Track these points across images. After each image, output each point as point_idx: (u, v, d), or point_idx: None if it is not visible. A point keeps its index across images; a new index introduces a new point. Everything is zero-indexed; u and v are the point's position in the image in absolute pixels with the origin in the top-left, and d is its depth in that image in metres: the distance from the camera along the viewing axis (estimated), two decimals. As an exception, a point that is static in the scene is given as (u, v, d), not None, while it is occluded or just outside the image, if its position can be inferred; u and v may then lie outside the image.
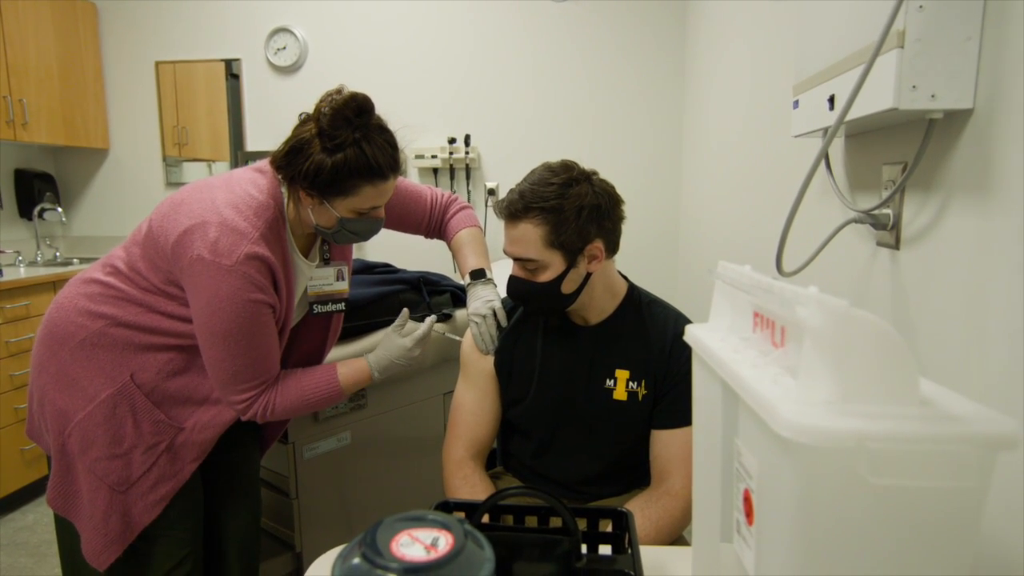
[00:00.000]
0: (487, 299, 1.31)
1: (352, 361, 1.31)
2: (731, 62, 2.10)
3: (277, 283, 1.17)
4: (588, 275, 1.16)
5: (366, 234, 1.23)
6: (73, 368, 1.19)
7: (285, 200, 1.20)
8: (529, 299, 1.18)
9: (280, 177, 1.18)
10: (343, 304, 1.37)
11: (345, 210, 1.16)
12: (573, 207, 1.09)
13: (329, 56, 3.23)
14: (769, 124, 1.64)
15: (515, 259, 1.15)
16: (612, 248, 1.17)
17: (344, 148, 1.09)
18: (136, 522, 1.21)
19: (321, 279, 1.33)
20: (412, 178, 3.22)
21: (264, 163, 1.21)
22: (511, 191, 1.14)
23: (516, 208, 1.11)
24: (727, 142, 2.13)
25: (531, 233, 1.10)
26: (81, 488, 1.22)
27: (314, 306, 1.33)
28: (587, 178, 1.13)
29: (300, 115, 1.17)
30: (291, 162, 1.13)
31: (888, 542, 0.44)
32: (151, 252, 1.16)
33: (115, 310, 1.18)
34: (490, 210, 3.19)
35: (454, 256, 1.51)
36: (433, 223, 1.54)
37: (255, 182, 1.18)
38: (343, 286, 1.35)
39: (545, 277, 1.13)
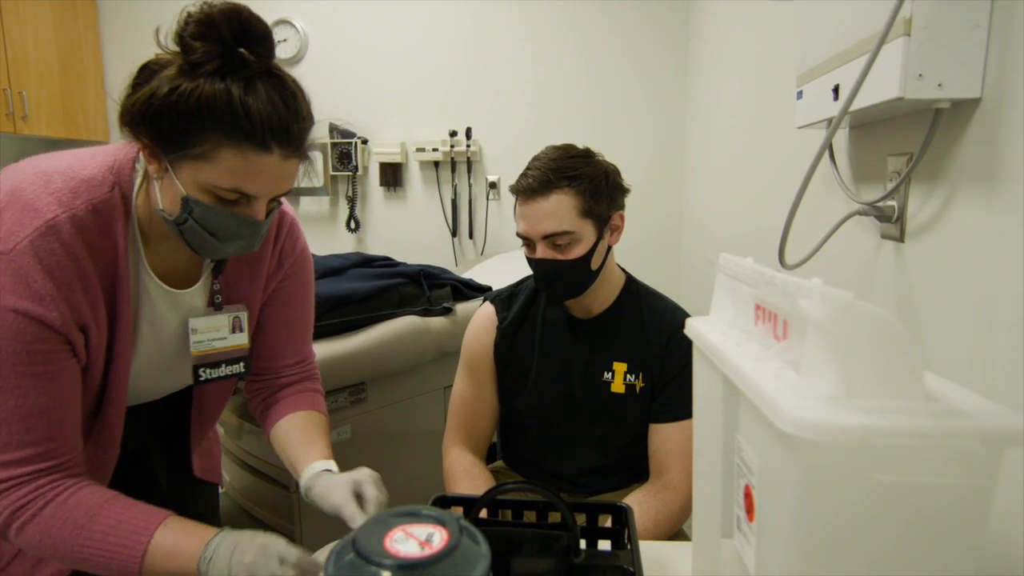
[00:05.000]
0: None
1: (187, 536, 0.76)
2: (734, 52, 2.08)
3: (91, 301, 0.79)
4: (609, 250, 1.17)
5: (227, 237, 0.80)
6: None
7: (137, 182, 0.83)
8: (560, 279, 1.14)
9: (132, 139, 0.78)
10: (244, 364, 0.98)
11: (192, 184, 0.75)
12: (601, 174, 1.12)
13: (330, 49, 3.21)
14: (772, 115, 1.62)
15: (544, 237, 1.11)
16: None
17: (215, 79, 0.73)
18: None
19: (208, 331, 0.93)
20: (413, 172, 3.21)
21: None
22: (529, 170, 1.12)
23: (547, 180, 1.09)
24: (730, 134, 2.12)
25: (565, 204, 1.09)
26: None
27: (201, 371, 0.94)
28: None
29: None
30: (131, 95, 0.76)
31: (892, 540, 0.43)
32: None
33: None
34: (492, 204, 3.18)
35: (299, 434, 1.01)
36: (289, 375, 1.08)
37: (102, 150, 0.84)
38: (241, 340, 0.97)
39: (577, 252, 1.11)
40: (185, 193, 0.76)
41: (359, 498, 0.82)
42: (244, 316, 0.97)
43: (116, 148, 0.85)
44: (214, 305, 0.95)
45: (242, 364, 0.98)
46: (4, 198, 0.75)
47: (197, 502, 1.13)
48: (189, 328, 0.92)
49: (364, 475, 0.85)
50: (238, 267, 0.96)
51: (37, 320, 0.73)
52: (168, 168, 0.76)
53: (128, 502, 0.79)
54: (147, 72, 0.76)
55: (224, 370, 0.96)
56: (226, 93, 0.72)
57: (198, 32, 0.72)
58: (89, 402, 0.86)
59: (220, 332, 0.95)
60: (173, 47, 0.75)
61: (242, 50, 0.75)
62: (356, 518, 0.78)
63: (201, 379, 0.95)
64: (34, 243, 0.73)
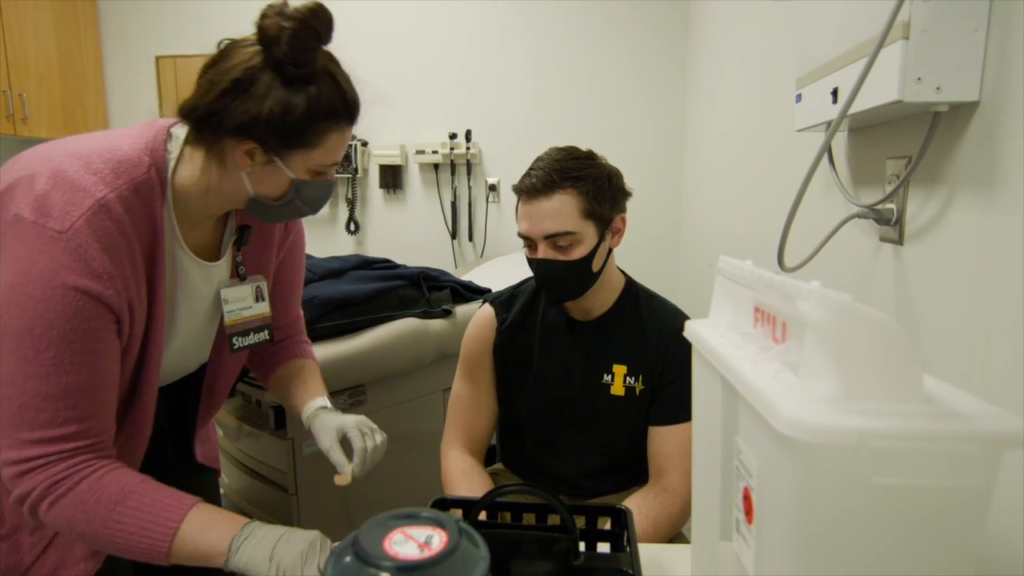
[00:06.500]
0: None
1: (218, 520, 0.78)
2: (734, 56, 2.09)
3: (136, 280, 0.80)
4: (609, 252, 1.17)
5: (317, 204, 0.92)
6: None
7: (171, 163, 0.85)
8: (561, 280, 1.13)
9: (193, 133, 0.83)
10: (268, 332, 1.04)
11: (303, 169, 0.85)
12: (604, 175, 1.13)
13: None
14: (771, 118, 1.62)
15: (546, 237, 1.10)
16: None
17: (317, 79, 0.80)
18: None
19: (237, 301, 0.98)
20: (412, 174, 3.21)
21: (162, 120, 0.89)
22: (532, 170, 1.12)
23: (551, 179, 1.09)
24: (729, 137, 2.12)
25: (568, 204, 1.09)
26: None
27: (234, 339, 0.99)
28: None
29: (221, 42, 0.82)
30: (229, 106, 0.78)
31: (890, 542, 0.43)
32: None
33: None
34: (491, 206, 3.18)
35: (295, 378, 1.10)
36: (281, 333, 1.14)
37: (130, 132, 0.86)
38: (264, 308, 1.02)
39: (578, 253, 1.11)
40: (294, 176, 0.84)
41: (346, 444, 0.93)
42: (264, 285, 1.03)
43: (144, 129, 0.86)
44: (239, 276, 0.99)
45: (266, 332, 1.04)
46: (47, 180, 0.75)
47: (202, 489, 1.12)
48: (221, 298, 0.96)
49: (350, 422, 0.96)
50: (254, 238, 1.00)
51: (96, 298, 0.74)
52: (275, 159, 0.82)
53: (159, 485, 0.81)
54: (245, 78, 0.78)
55: (253, 338, 1.02)
56: (338, 91, 0.82)
57: (298, 41, 0.77)
58: (124, 385, 0.87)
59: (246, 302, 1.00)
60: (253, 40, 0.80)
61: (331, 37, 0.83)
62: (344, 465, 0.90)
63: (235, 347, 0.99)
64: (90, 221, 0.74)
